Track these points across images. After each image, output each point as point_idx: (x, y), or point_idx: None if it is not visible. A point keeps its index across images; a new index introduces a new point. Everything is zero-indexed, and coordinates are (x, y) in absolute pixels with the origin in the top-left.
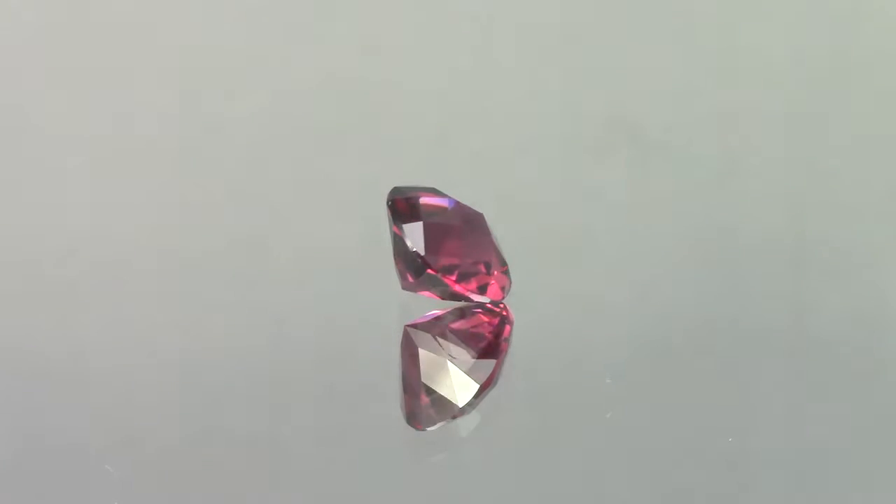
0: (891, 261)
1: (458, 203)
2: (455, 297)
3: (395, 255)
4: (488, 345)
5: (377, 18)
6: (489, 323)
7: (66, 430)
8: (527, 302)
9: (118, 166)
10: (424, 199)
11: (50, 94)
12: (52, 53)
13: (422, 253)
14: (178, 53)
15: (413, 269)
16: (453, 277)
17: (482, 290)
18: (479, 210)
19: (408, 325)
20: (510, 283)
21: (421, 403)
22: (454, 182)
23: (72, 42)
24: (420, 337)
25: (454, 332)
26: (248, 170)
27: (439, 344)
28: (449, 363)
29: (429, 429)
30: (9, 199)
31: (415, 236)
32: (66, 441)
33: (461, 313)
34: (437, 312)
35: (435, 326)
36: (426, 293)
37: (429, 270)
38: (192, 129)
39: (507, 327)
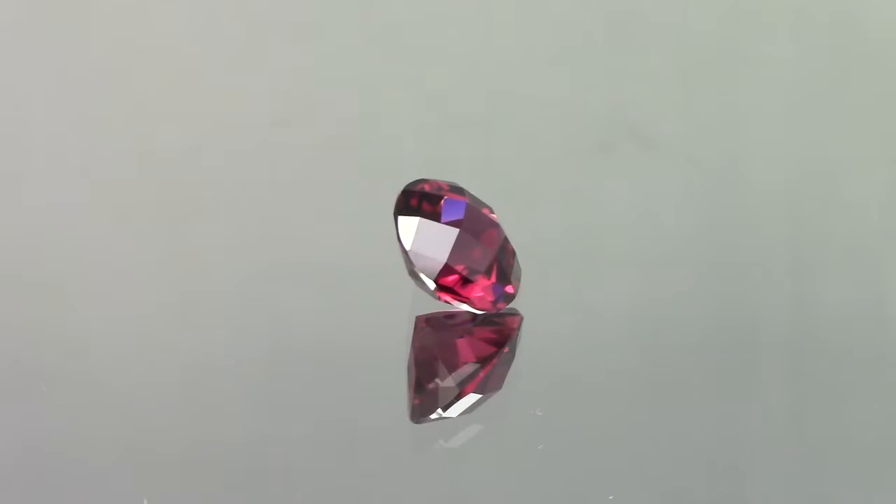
0: (891, 261)
1: (472, 209)
2: (442, 297)
3: (398, 244)
4: (489, 352)
5: (378, 18)
6: (496, 331)
7: (66, 431)
8: (526, 303)
9: (119, 166)
10: (443, 205)
11: (50, 94)
12: (52, 53)
13: (406, 249)
14: (180, 53)
15: (405, 262)
16: (439, 279)
17: (468, 299)
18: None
19: (419, 318)
20: (508, 296)
21: (415, 397)
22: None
23: (73, 42)
24: (425, 332)
25: (460, 333)
26: (250, 167)
27: (441, 343)
28: (442, 363)
29: (418, 423)
30: (9, 200)
31: (406, 232)
32: (67, 442)
33: (472, 316)
34: (452, 311)
35: (443, 324)
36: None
37: (413, 268)
38: (194, 128)
39: (513, 337)
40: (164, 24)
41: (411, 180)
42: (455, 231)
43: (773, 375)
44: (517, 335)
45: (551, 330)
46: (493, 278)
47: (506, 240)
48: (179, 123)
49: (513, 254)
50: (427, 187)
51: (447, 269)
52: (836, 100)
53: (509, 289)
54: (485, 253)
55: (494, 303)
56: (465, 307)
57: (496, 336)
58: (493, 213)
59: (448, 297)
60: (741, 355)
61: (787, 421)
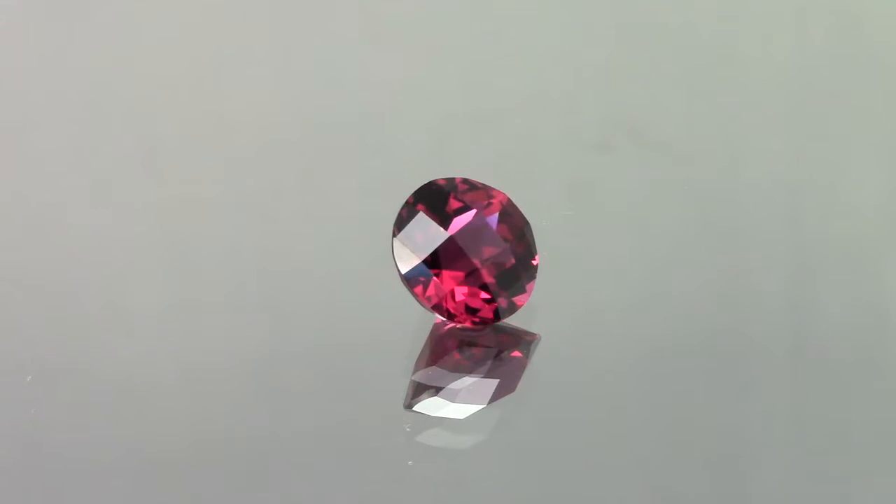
0: (891, 261)
1: (478, 223)
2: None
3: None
4: (478, 362)
5: (378, 17)
6: (499, 345)
7: (65, 431)
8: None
9: (119, 165)
10: (452, 212)
11: (50, 93)
12: (52, 52)
13: (396, 235)
14: (181, 54)
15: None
16: (409, 278)
17: (434, 305)
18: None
19: (438, 321)
20: (467, 319)
21: (409, 389)
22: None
23: (74, 42)
24: (439, 327)
25: (462, 337)
26: (252, 166)
27: (443, 340)
28: (431, 359)
29: (406, 409)
30: (9, 200)
31: (402, 221)
32: (66, 442)
33: (486, 325)
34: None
35: (453, 333)
36: None
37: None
38: (195, 128)
39: (505, 353)
40: (166, 24)
41: (464, 178)
42: (445, 235)
43: (774, 376)
44: (509, 352)
45: (551, 328)
46: (465, 296)
47: (514, 266)
48: (181, 124)
49: (515, 276)
50: (453, 195)
51: (420, 269)
52: (836, 100)
53: (483, 314)
54: (468, 263)
55: (454, 310)
56: (436, 314)
57: (494, 349)
58: (511, 235)
59: (423, 300)
60: (741, 356)
61: (788, 421)
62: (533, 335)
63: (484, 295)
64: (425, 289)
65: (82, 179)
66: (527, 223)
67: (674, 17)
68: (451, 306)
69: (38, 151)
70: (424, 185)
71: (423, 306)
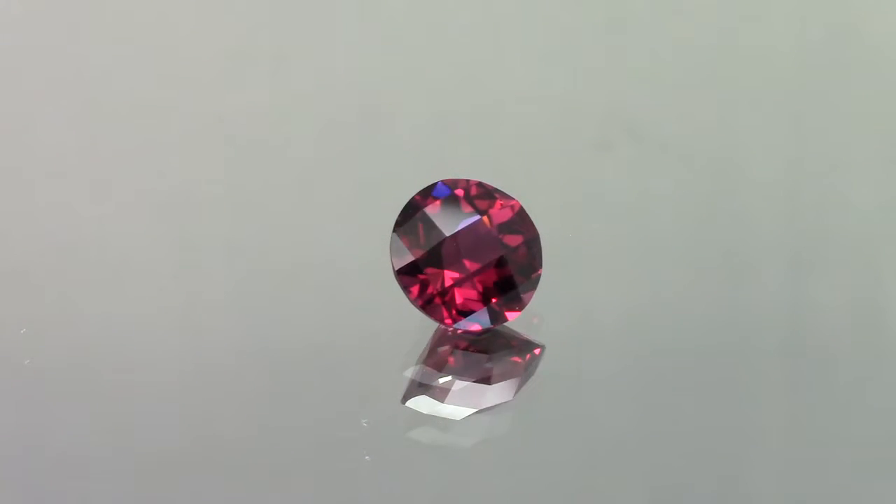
0: (890, 261)
1: (476, 229)
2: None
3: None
4: (471, 367)
5: (378, 15)
6: (490, 351)
7: (66, 430)
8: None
9: (119, 164)
10: (456, 215)
11: (50, 92)
12: (51, 52)
13: (396, 230)
14: (180, 52)
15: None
16: (400, 273)
17: (420, 306)
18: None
19: (448, 326)
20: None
21: (407, 390)
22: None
23: (73, 41)
24: (437, 339)
25: (459, 339)
26: (253, 166)
27: (442, 341)
28: (426, 357)
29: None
30: (8, 199)
31: (405, 216)
32: (66, 441)
33: (485, 331)
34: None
35: (454, 336)
36: None
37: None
38: (195, 127)
39: (495, 361)
40: (165, 22)
41: (479, 181)
42: (446, 236)
43: (772, 375)
44: (510, 357)
45: (552, 333)
46: (462, 299)
47: (514, 275)
48: (180, 123)
49: (514, 285)
50: (463, 197)
51: (411, 267)
52: (835, 99)
53: (478, 317)
54: (459, 266)
55: (442, 319)
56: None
57: (494, 354)
58: (516, 243)
59: (417, 298)
60: (739, 355)
61: (788, 422)
62: (535, 345)
63: (480, 299)
64: (422, 288)
65: (82, 178)
66: (536, 234)
67: (674, 16)
68: (445, 308)
69: (37, 150)
70: (433, 183)
71: (414, 304)
